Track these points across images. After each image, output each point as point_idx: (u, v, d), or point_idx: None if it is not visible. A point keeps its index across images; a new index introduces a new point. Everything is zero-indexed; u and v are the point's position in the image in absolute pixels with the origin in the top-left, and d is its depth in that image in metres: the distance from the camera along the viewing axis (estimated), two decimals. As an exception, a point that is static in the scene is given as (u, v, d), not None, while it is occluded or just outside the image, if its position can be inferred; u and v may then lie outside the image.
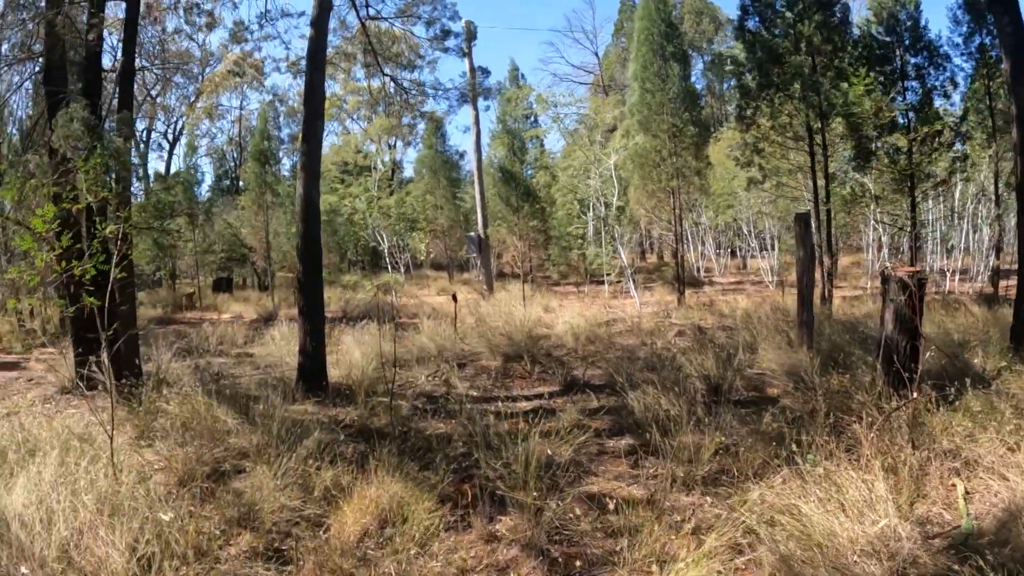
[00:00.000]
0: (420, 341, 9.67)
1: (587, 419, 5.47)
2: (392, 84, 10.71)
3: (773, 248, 20.45)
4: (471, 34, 10.21)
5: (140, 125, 37.13)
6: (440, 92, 10.30)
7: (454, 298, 10.38)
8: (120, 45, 7.26)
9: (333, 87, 36.65)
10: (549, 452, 4.17)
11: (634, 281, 15.15)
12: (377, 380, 7.29)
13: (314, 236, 7.52)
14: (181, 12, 9.11)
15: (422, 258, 26.81)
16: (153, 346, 9.70)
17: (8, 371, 10.38)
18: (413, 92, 10.38)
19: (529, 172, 20.64)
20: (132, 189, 6.61)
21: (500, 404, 6.54)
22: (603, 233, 18.21)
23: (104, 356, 4.42)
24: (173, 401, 5.39)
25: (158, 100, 36.57)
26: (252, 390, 7.01)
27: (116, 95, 7.16)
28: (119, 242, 4.96)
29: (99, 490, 3.41)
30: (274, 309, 17.63)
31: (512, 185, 19.43)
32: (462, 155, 31.68)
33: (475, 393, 7.03)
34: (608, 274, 18.10)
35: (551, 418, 5.55)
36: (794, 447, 3.75)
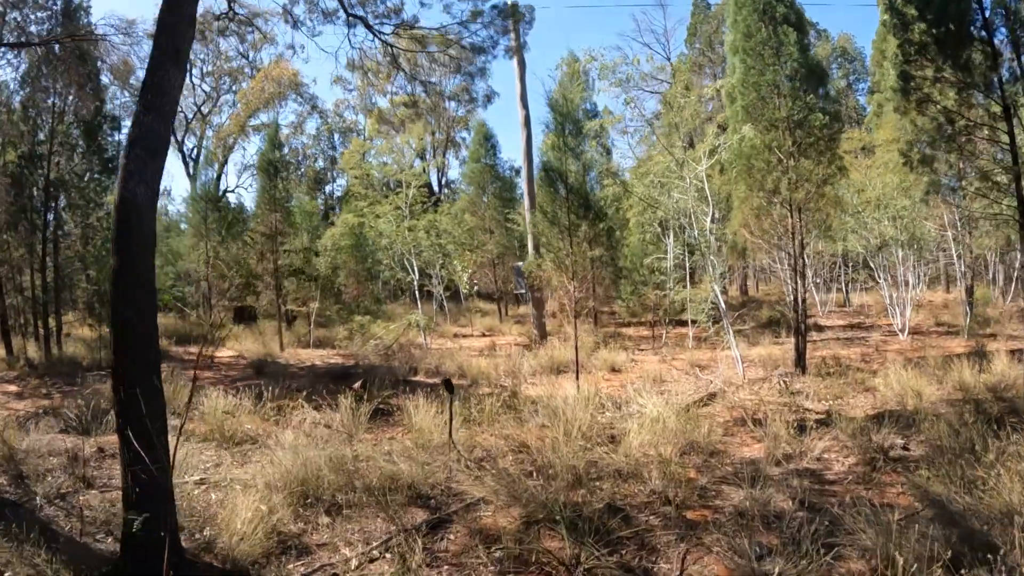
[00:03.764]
0: (395, 451, 5.82)
1: None
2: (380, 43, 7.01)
3: (906, 284, 15.29)
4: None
5: (190, 143, 35.95)
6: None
7: (448, 386, 6.44)
8: None
9: (381, 102, 34.13)
10: None
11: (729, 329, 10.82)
12: (281, 551, 4.04)
13: (139, 277, 3.65)
14: None
15: (466, 291, 23.05)
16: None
17: None
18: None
19: (593, 178, 15.82)
20: None
21: None
22: (687, 264, 13.81)
23: None
24: None
25: (208, 116, 35.49)
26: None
27: None
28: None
29: None
30: (278, 350, 14.90)
31: (558, 191, 12.23)
32: (517, 171, 28.01)
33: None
34: (695, 321, 13.61)
35: None
36: None
